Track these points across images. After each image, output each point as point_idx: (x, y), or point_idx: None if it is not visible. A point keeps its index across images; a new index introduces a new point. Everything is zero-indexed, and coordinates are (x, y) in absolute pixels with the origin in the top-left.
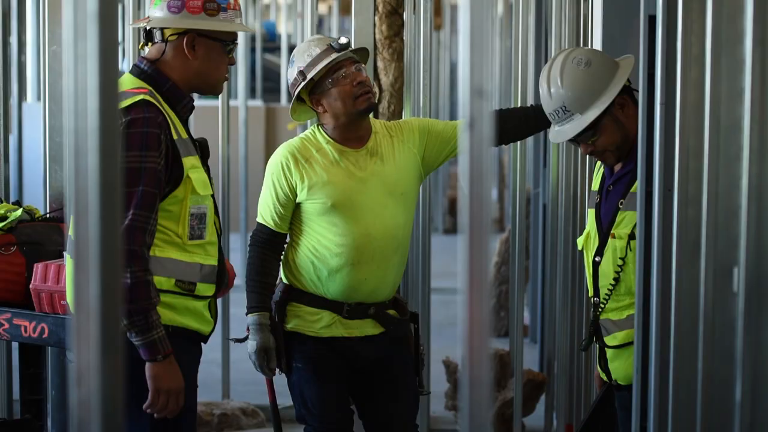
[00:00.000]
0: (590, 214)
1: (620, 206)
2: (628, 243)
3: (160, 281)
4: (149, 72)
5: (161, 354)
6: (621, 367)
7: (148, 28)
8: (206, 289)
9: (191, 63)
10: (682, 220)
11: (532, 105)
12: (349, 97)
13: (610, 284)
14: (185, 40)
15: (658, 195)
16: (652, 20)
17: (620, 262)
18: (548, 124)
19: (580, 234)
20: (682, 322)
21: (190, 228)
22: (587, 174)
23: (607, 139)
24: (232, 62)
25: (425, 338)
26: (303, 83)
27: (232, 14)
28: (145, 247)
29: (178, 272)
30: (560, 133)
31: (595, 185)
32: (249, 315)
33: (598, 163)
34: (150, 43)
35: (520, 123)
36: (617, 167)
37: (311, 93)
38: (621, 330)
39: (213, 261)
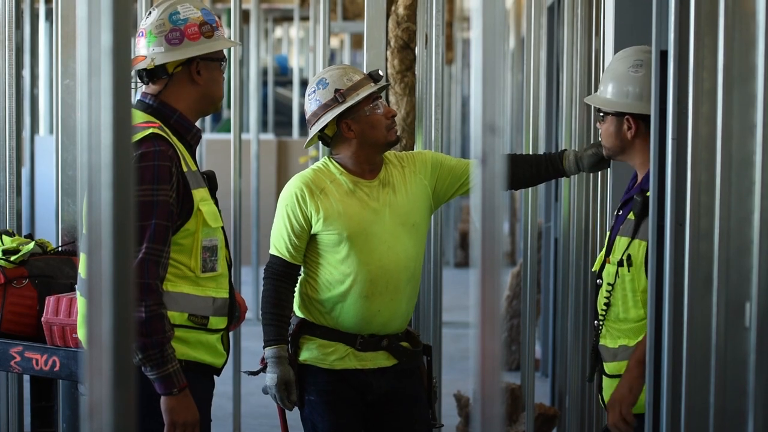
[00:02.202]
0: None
1: (617, 231)
2: (617, 270)
3: (173, 316)
4: (155, 106)
5: (176, 387)
6: (608, 396)
7: (155, 65)
8: (219, 322)
9: (198, 89)
10: (694, 254)
11: (545, 153)
12: (383, 127)
13: (603, 309)
14: (192, 67)
15: (669, 229)
16: (663, 55)
17: (609, 288)
18: (559, 174)
19: (593, 266)
20: (694, 356)
21: (203, 261)
22: (599, 208)
23: (604, 131)
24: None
25: (437, 372)
26: (343, 106)
27: (222, 31)
28: (158, 280)
29: (190, 307)
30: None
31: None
32: (267, 348)
33: None
34: (150, 82)
35: (531, 170)
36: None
37: (341, 117)
38: (613, 359)
39: (225, 294)
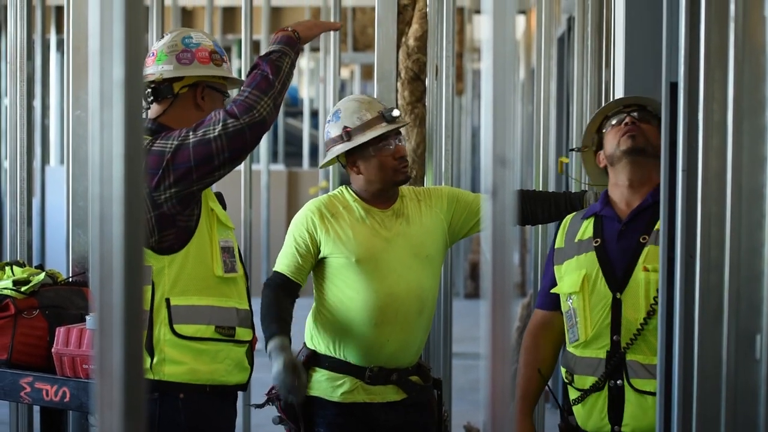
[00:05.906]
0: (584, 258)
1: (642, 241)
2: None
3: (200, 329)
4: (154, 129)
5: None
6: (638, 416)
7: (163, 77)
8: (245, 333)
9: (200, 114)
10: (704, 286)
11: (564, 191)
12: (389, 169)
13: (643, 318)
14: (197, 90)
15: (680, 261)
16: (673, 87)
17: (656, 294)
18: (576, 211)
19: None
20: (704, 388)
21: (223, 262)
22: None
23: (649, 131)
24: None
25: (447, 403)
26: (348, 145)
27: (229, 66)
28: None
29: (216, 318)
30: None
31: (583, 235)
32: (268, 342)
33: (566, 221)
34: (155, 101)
35: (550, 208)
36: (625, 207)
37: (349, 153)
38: (652, 377)
39: (246, 305)
